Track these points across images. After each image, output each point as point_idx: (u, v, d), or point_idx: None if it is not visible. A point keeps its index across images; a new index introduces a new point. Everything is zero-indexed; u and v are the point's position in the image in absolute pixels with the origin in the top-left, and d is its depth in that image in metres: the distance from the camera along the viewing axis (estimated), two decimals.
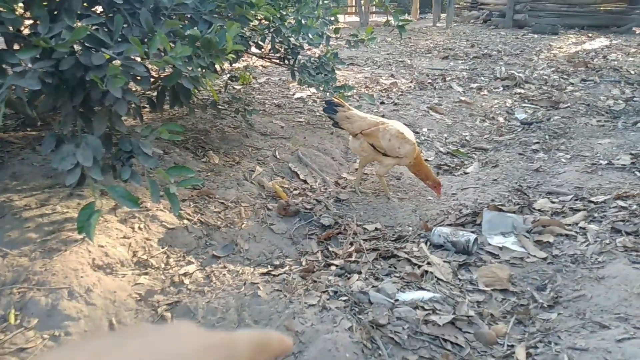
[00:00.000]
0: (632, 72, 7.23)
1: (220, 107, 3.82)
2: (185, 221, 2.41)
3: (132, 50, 1.47)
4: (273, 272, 2.14)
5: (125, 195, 1.51)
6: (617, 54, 8.53)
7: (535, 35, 10.76)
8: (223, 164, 3.07)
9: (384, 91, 5.57)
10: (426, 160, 3.81)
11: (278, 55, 3.72)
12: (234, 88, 4.82)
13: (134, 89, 2.31)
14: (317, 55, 3.73)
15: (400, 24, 3.48)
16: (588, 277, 2.06)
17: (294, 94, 4.99)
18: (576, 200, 2.81)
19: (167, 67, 1.75)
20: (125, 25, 1.80)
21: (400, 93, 5.56)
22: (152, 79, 2.07)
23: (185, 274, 2.12)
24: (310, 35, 3.03)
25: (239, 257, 2.28)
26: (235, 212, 2.61)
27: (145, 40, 1.64)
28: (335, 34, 3.68)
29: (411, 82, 6.06)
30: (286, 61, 3.74)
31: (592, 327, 1.73)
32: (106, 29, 1.67)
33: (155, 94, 2.24)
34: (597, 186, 2.97)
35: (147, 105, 2.26)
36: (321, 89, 3.54)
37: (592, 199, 2.78)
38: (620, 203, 2.67)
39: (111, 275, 2.01)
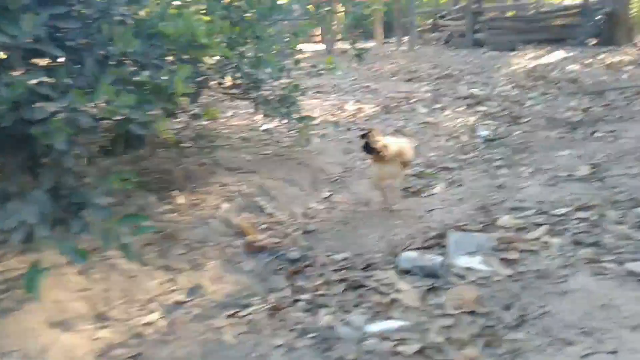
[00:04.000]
0: (589, 83, 7.51)
1: (184, 145, 3.81)
2: (148, 267, 2.35)
3: (76, 102, 1.45)
4: (240, 314, 2.10)
5: (74, 250, 1.48)
6: (574, 66, 8.87)
7: (495, 53, 11.12)
8: (188, 204, 3.03)
9: (350, 117, 5.65)
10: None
11: (240, 90, 3.74)
12: (200, 125, 4.81)
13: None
14: (280, 89, 3.76)
15: (358, 52, 3.55)
16: (553, 292, 2.07)
17: (261, 126, 5.01)
18: (539, 214, 2.85)
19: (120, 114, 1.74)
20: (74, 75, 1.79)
21: (366, 118, 5.64)
22: (106, 126, 2.06)
23: (147, 324, 2.06)
24: (269, 70, 3.06)
25: (204, 301, 2.23)
26: (201, 253, 2.57)
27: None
28: (296, 65, 3.73)
29: (377, 106, 6.16)
30: (248, 95, 3.76)
31: (558, 344, 1.74)
32: (52, 80, 1.66)
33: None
34: (559, 199, 3.03)
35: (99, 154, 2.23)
36: (284, 121, 3.56)
37: (554, 212, 2.83)
38: (581, 214, 2.73)
39: (69, 331, 1.94)
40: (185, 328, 2.05)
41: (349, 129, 5.11)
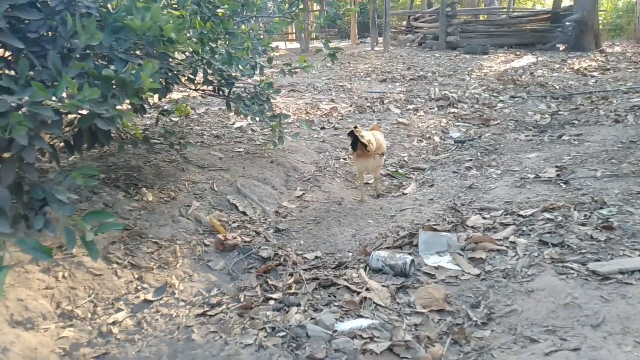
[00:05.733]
0: (557, 87, 7.72)
1: (154, 141, 3.73)
2: (114, 265, 2.30)
3: (38, 95, 1.40)
4: (209, 312, 2.07)
5: (37, 247, 1.43)
6: (543, 70, 9.10)
7: (467, 56, 11.31)
8: (157, 201, 2.98)
9: (324, 116, 5.64)
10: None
11: (212, 86, 3.69)
12: (171, 120, 4.73)
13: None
14: (253, 86, 3.73)
15: (331, 52, 3.55)
16: (519, 291, 2.12)
17: (233, 124, 4.96)
18: (506, 214, 2.91)
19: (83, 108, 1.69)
20: (36, 68, 1.73)
21: (340, 117, 5.65)
22: (69, 121, 1.99)
23: (114, 323, 2.01)
24: (241, 67, 3.03)
25: (172, 300, 2.19)
26: (170, 251, 2.53)
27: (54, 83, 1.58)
28: (269, 64, 3.70)
29: (351, 106, 6.18)
30: (220, 92, 3.72)
31: (522, 342, 1.77)
32: (12, 73, 1.59)
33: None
34: (526, 200, 3.10)
35: (63, 149, 2.16)
36: (257, 119, 3.53)
37: (521, 212, 2.89)
38: (547, 215, 2.79)
39: (32, 330, 1.88)
40: (152, 327, 2.01)
41: (322, 128, 5.11)
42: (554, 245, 2.46)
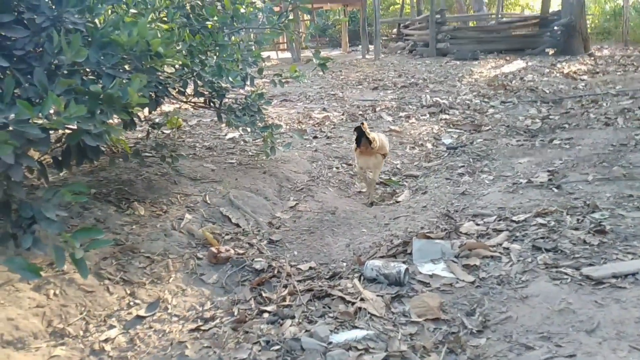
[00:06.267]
0: (547, 91, 7.78)
1: (146, 154, 3.71)
2: (106, 281, 2.27)
3: (24, 113, 1.39)
4: (203, 327, 2.05)
5: (25, 267, 1.41)
6: (533, 75, 9.18)
7: (458, 62, 11.39)
8: (149, 215, 2.96)
9: (316, 125, 5.65)
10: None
11: (203, 98, 3.69)
12: (162, 133, 4.72)
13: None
14: (244, 97, 3.72)
15: (321, 62, 3.56)
16: (513, 298, 2.12)
17: (225, 135, 4.95)
18: (499, 220, 2.92)
19: (71, 125, 1.68)
20: (22, 85, 1.72)
21: (332, 126, 5.66)
22: (58, 137, 1.97)
23: (106, 340, 1.99)
24: (231, 79, 3.03)
25: (165, 315, 2.17)
26: (162, 266, 2.50)
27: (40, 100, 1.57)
28: (259, 75, 3.71)
29: (343, 114, 6.19)
30: (212, 104, 3.71)
31: (518, 349, 1.77)
32: None
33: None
34: (519, 205, 3.11)
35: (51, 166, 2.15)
36: (248, 130, 3.53)
37: (514, 218, 2.89)
38: (540, 220, 2.80)
39: (23, 350, 1.85)
40: (145, 344, 1.99)
41: (315, 137, 5.12)
42: (547, 250, 2.46)
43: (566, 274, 2.20)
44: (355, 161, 3.94)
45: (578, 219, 2.76)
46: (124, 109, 1.66)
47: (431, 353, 1.84)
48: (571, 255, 2.37)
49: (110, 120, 1.81)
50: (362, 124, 3.43)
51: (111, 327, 2.07)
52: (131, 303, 2.22)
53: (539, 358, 1.67)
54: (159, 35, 1.85)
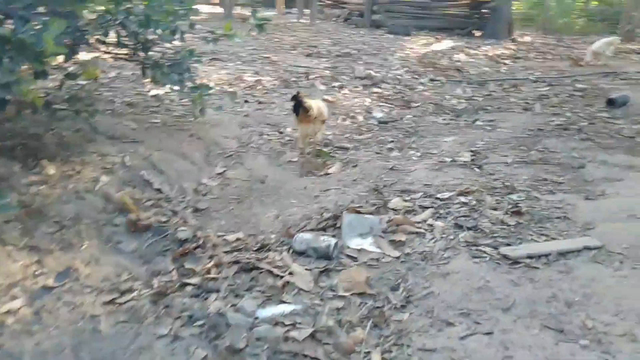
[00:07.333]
0: (472, 73, 8.08)
1: (58, 107, 3.36)
2: (9, 247, 2.05)
3: None
4: (118, 300, 1.92)
5: None
6: (460, 55, 9.47)
7: (391, 36, 11.47)
8: (60, 175, 2.69)
9: (248, 89, 5.45)
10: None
11: (126, 50, 3.38)
12: (77, 85, 4.29)
13: None
14: (173, 52, 3.46)
15: (259, 22, 3.39)
16: (436, 274, 2.19)
17: (149, 91, 4.62)
18: (425, 197, 3.00)
19: None
20: None
21: (265, 91, 5.49)
22: None
23: (8, 312, 1.79)
24: (160, 31, 2.78)
25: (77, 286, 1.99)
26: (74, 232, 2.30)
27: None
28: (190, 28, 3.45)
29: (276, 79, 6.02)
30: (136, 57, 3.42)
31: (439, 325, 1.83)
32: None
33: None
34: (443, 183, 3.21)
35: None
36: (176, 89, 3.30)
37: (439, 195, 2.98)
38: (462, 199, 2.91)
39: None
40: (53, 316, 1.82)
41: (246, 101, 4.93)
42: (468, 228, 2.57)
43: (485, 252, 2.31)
44: (297, 129, 3.99)
45: (497, 200, 2.90)
46: (36, 58, 1.44)
47: (357, 328, 1.86)
48: (490, 235, 2.49)
49: (21, 68, 1.57)
50: (298, 93, 3.39)
51: (14, 298, 1.87)
52: (37, 272, 2.02)
53: (458, 334, 1.74)
54: None
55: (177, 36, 3.28)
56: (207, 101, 3.59)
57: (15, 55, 1.37)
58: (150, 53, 3.39)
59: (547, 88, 6.77)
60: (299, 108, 3.59)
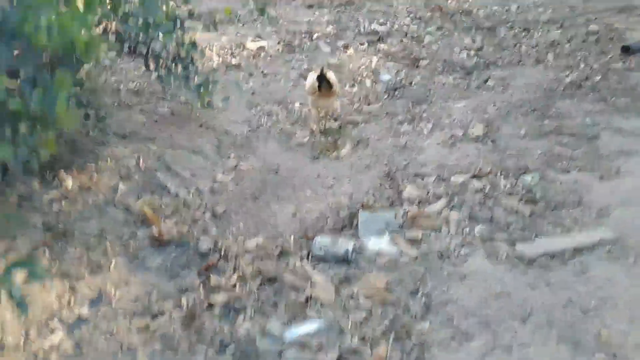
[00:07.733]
0: (481, 15, 7.73)
1: None
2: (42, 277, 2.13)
3: None
4: (151, 326, 2.01)
5: None
6: None
7: None
8: (78, 187, 2.74)
9: (251, 58, 5.32)
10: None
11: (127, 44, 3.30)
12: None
13: None
14: (174, 44, 3.35)
15: (261, 7, 3.26)
16: (453, 276, 2.25)
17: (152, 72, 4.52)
18: (439, 181, 3.01)
19: None
20: None
21: (269, 58, 5.36)
22: None
23: (51, 347, 1.91)
24: (161, 34, 2.70)
25: (110, 311, 2.09)
26: (100, 251, 2.38)
27: None
28: (190, 15, 3.33)
29: (279, 43, 5.85)
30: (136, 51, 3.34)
31: (460, 338, 1.91)
32: None
33: None
34: (456, 162, 3.20)
35: None
36: (181, 84, 3.25)
37: (452, 179, 2.99)
38: (476, 184, 2.91)
39: None
40: (93, 348, 1.94)
41: (251, 75, 4.84)
42: (483, 221, 2.60)
43: (501, 249, 2.36)
44: (310, 104, 3.92)
45: (511, 183, 2.90)
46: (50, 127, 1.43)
47: (380, 341, 1.95)
48: (505, 227, 2.53)
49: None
50: (323, 68, 3.58)
51: (54, 330, 1.98)
52: (72, 300, 2.12)
53: (479, 350, 1.82)
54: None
55: (178, 26, 3.19)
56: (214, 92, 3.53)
57: (30, 127, 1.36)
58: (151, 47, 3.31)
59: (559, 31, 6.49)
60: (322, 83, 3.57)
